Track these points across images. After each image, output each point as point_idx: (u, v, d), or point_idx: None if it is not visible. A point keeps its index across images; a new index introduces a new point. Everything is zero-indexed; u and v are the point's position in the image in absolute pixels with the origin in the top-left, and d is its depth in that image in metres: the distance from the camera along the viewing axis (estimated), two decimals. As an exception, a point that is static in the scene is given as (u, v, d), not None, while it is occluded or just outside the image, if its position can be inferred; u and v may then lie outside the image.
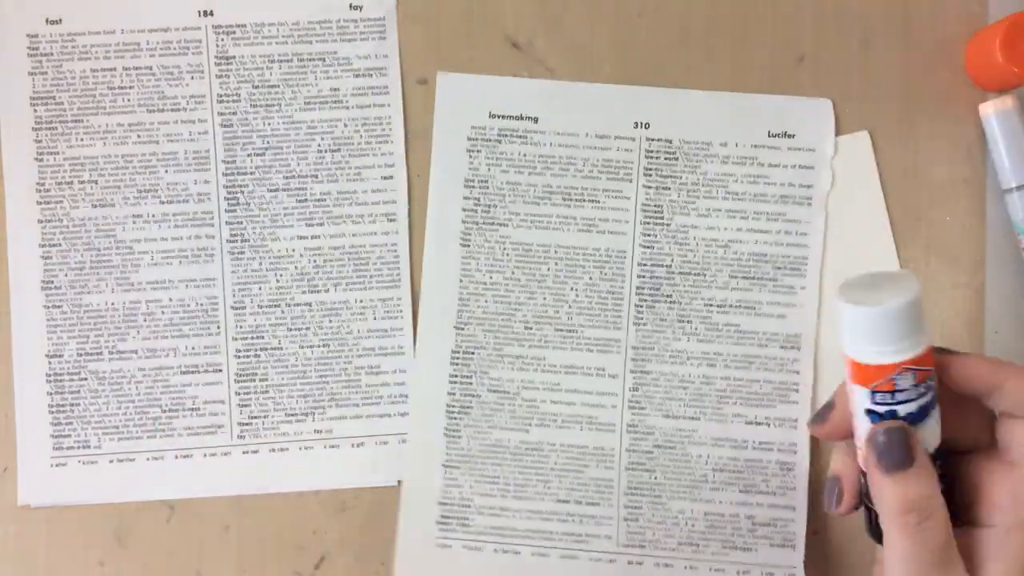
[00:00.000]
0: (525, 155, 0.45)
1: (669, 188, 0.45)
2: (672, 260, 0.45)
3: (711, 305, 0.45)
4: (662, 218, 0.45)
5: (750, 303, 0.45)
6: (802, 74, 0.45)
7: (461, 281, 0.45)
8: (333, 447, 0.45)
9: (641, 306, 0.45)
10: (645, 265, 0.45)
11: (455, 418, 0.45)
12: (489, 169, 0.45)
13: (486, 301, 0.45)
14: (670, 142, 0.45)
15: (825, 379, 0.45)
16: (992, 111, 0.44)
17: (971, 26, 0.45)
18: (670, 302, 0.45)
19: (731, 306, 0.45)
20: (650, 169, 0.45)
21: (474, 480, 0.45)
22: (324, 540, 0.45)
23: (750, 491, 0.45)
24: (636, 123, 0.45)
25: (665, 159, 0.45)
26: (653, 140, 0.45)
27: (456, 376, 0.45)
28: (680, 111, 0.45)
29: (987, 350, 0.45)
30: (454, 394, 0.45)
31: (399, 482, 0.45)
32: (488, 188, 0.45)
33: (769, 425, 0.45)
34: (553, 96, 0.45)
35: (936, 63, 0.45)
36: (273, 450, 0.45)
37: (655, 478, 0.45)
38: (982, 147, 0.45)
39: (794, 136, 0.45)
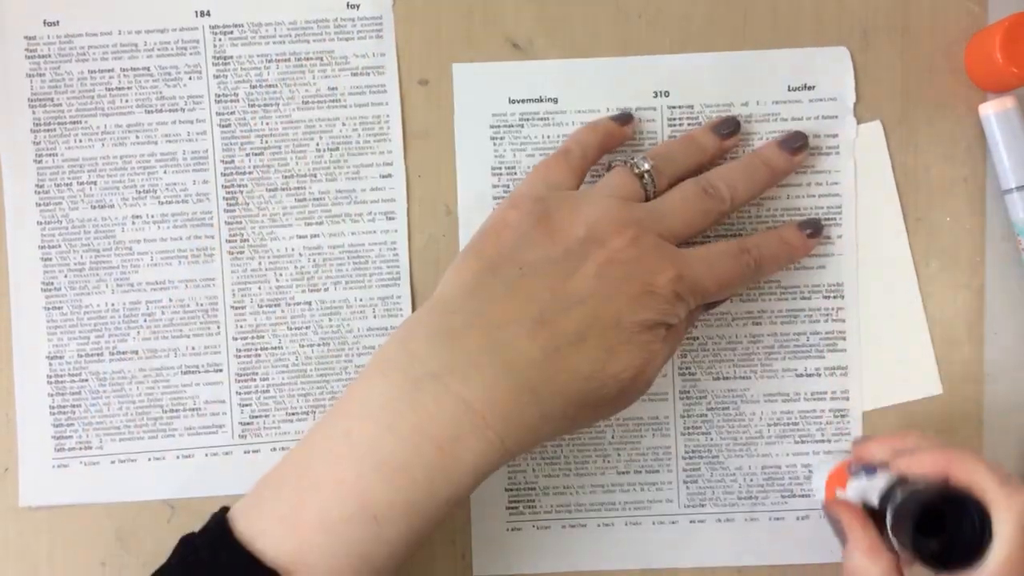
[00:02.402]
0: (549, 136, 0.45)
1: None
2: None
3: None
4: None
5: None
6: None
7: None
8: (333, 448, 0.45)
9: None
10: None
11: None
12: (515, 155, 0.45)
13: None
14: (691, 108, 0.45)
15: (870, 324, 0.45)
16: (992, 111, 0.44)
17: (971, 26, 0.45)
18: None
19: None
20: (675, 137, 0.45)
21: (536, 463, 0.45)
22: (325, 540, 0.45)
23: (806, 441, 0.45)
24: (656, 92, 0.45)
25: (688, 125, 0.45)
26: (675, 108, 0.45)
27: None
28: (698, 76, 0.45)
29: (987, 350, 0.45)
30: None
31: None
32: (516, 174, 0.45)
33: (820, 375, 0.45)
34: (570, 75, 0.45)
35: (936, 63, 0.45)
36: (274, 449, 0.45)
37: (711, 439, 0.45)
38: (982, 147, 0.45)
39: (814, 87, 0.45)
